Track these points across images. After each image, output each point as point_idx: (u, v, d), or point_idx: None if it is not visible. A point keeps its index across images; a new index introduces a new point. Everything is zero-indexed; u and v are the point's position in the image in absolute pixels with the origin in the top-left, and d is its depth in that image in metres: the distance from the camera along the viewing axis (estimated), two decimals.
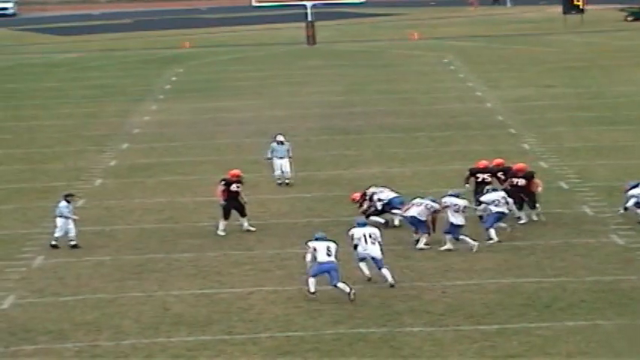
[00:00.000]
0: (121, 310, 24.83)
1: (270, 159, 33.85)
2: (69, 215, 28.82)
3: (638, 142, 43.03)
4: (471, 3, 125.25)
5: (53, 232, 30.49)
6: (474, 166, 33.82)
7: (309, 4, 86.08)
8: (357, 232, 24.76)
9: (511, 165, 34.25)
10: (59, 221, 29.01)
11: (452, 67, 72.32)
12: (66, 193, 29.54)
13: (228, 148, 44.94)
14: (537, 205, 28.62)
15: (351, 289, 22.77)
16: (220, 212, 30.74)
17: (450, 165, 39.65)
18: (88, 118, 53.66)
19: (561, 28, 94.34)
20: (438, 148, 43.51)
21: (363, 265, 24.00)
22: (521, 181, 28.47)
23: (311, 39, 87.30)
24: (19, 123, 53.78)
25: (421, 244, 26.26)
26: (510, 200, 27.54)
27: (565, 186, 35.82)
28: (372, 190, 29.37)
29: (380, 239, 24.75)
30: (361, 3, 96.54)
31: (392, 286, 23.65)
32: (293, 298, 24.83)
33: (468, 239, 26.30)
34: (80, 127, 51.06)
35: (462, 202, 26.51)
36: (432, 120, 50.12)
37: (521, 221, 28.89)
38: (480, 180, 28.54)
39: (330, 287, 23.57)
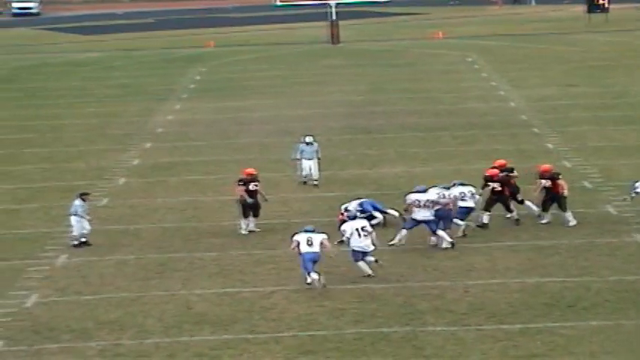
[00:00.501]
0: (144, 309, 24.87)
1: (299, 159, 33.73)
2: (82, 215, 28.84)
3: None
4: (495, 2, 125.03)
5: (71, 232, 30.59)
6: (489, 166, 33.52)
7: (333, 2, 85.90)
8: (348, 227, 24.75)
9: (532, 165, 34.70)
10: (73, 220, 29.07)
11: (475, 66, 72.29)
12: (81, 192, 29.63)
13: (250, 148, 44.83)
14: (567, 208, 28.13)
15: (319, 279, 22.88)
16: (239, 211, 30.45)
17: (473, 165, 39.27)
18: (111, 117, 53.92)
19: (585, 27, 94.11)
20: (460, 148, 43.61)
21: (361, 264, 23.97)
22: (547, 182, 28.25)
23: (335, 38, 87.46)
24: (43, 122, 54.09)
25: (446, 244, 25.93)
26: (478, 195, 27.56)
27: (589, 185, 35.84)
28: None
29: (371, 230, 24.79)
30: (386, 2, 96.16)
31: (369, 276, 23.71)
32: (315, 297, 24.82)
33: (445, 235, 26.09)
34: (104, 126, 51.38)
35: (423, 197, 26.36)
36: (455, 119, 50.32)
37: (544, 221, 28.62)
38: (491, 188, 28.43)
39: (352, 285, 23.67)
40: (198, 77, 70.46)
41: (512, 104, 54.22)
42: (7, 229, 33.39)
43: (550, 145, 43.17)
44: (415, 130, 47.99)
